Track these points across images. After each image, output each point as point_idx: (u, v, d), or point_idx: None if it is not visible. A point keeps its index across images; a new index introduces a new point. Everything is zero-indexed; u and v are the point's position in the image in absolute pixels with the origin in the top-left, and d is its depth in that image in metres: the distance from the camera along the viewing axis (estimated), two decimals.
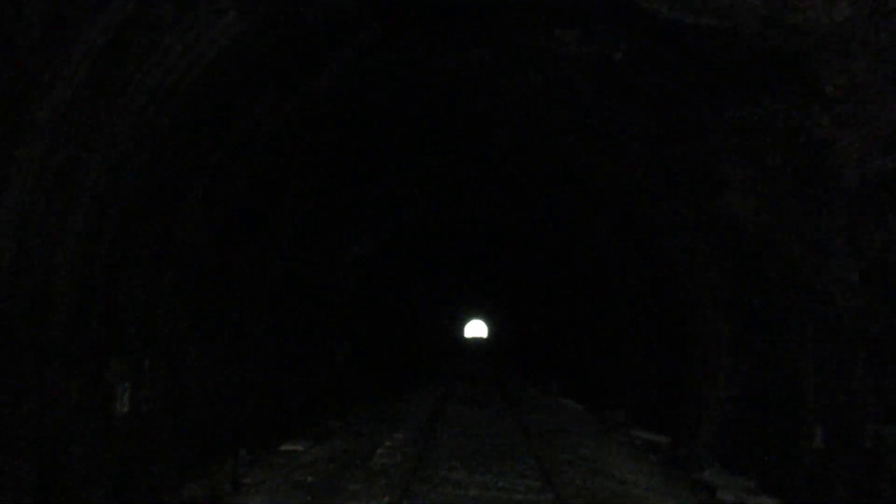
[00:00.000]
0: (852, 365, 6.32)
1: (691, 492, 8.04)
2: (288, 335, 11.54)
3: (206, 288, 8.30)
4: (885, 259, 5.67)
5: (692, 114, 7.11)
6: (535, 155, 11.23)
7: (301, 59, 6.80)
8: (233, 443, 9.20)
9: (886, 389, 5.86)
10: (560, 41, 6.87)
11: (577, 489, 6.93)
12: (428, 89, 8.53)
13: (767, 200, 7.27)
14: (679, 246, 10.94)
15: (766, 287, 8.47)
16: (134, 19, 4.60)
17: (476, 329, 40.85)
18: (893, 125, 4.98)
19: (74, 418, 5.55)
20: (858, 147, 5.42)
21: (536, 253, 19.88)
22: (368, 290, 16.59)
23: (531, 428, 10.76)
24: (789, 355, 7.90)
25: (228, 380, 9.19)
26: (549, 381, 20.37)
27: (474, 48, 7.23)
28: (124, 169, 5.57)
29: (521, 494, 6.49)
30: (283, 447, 9.66)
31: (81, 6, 4.23)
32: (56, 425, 5.31)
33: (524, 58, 7.44)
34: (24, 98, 4.23)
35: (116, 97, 4.95)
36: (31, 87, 4.37)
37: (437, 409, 11.88)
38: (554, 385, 19.43)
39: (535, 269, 22.06)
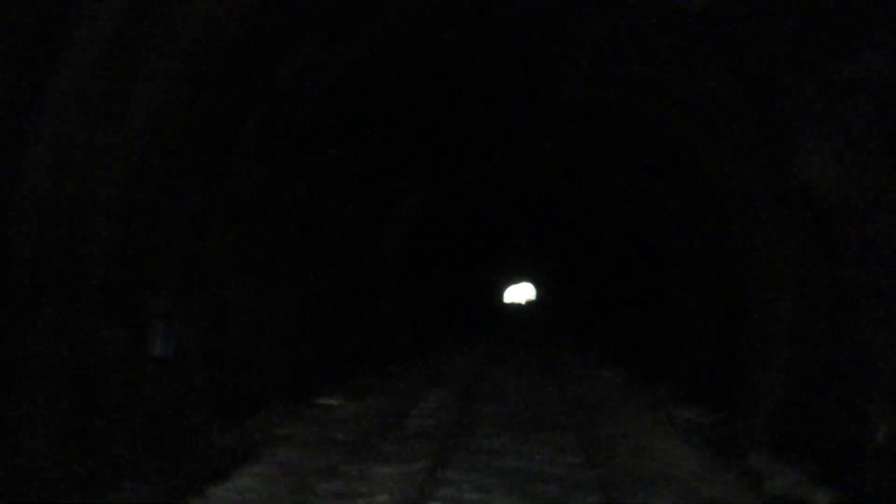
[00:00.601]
0: None
1: (738, 478, 7.64)
2: (332, 287, 11.40)
3: (253, 233, 8.13)
4: None
5: (774, 71, 6.51)
6: (600, 113, 10.69)
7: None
8: (269, 392, 9.12)
9: None
10: None
11: (618, 467, 6.60)
12: (493, 36, 8.06)
13: (852, 169, 6.65)
14: (747, 216, 10.33)
15: (840, 264, 7.87)
16: None
17: (521, 292, 40.50)
18: None
19: (110, 359, 5.44)
20: None
21: (588, 217, 19.33)
22: (415, 249, 16.36)
23: (573, 399, 10.45)
24: (859, 340, 7.36)
25: (268, 329, 9.07)
26: (592, 348, 20.00)
27: None
28: (171, 107, 5.32)
29: (561, 469, 6.20)
30: (320, 401, 9.56)
31: None
32: (92, 365, 5.20)
33: (594, 6, 6.91)
34: (65, 21, 3.97)
35: (162, 32, 4.68)
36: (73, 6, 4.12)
37: (477, 372, 11.66)
38: (598, 353, 19.05)
39: (585, 234, 21.51)
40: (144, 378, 6.05)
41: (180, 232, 6.42)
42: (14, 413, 4.45)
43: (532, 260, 31.50)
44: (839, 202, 8.38)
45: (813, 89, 6.30)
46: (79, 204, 4.91)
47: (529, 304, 36.14)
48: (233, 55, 5.95)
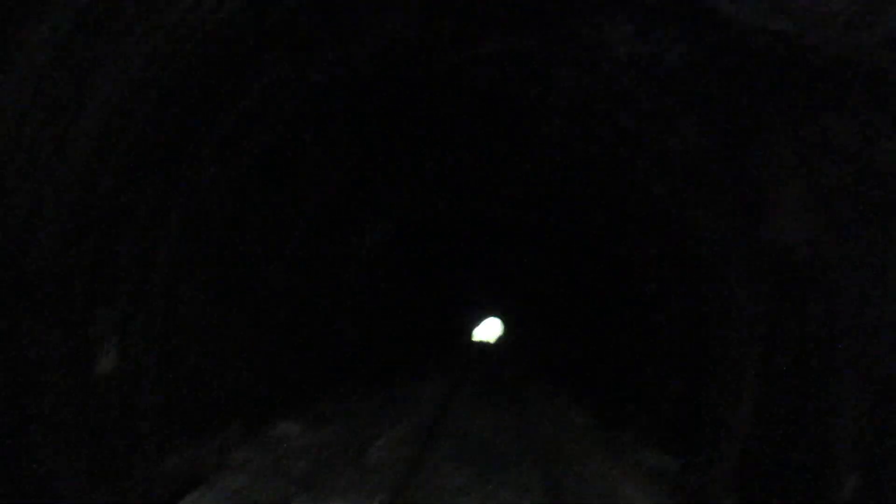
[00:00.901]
0: None
1: None
2: (296, 310, 11.23)
3: (213, 248, 7.97)
4: None
5: (746, 127, 6.63)
6: (577, 158, 10.78)
7: (329, 30, 6.42)
8: (226, 415, 8.88)
9: None
10: (611, 37, 6.43)
11: None
12: (470, 75, 8.12)
13: (823, 228, 6.75)
14: (718, 264, 10.42)
15: (808, 321, 7.95)
16: None
17: (487, 331, 40.44)
18: None
19: (50, 372, 5.22)
20: None
21: (560, 256, 19.40)
22: (380, 279, 16.25)
23: (537, 439, 10.34)
24: (824, 395, 7.39)
25: (227, 348, 8.87)
26: (559, 388, 19.87)
27: (520, 33, 6.81)
28: (129, 111, 5.19)
29: None
30: (278, 427, 9.35)
31: None
32: (30, 378, 4.98)
33: (573, 55, 7.01)
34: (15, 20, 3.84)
35: (121, 37, 4.57)
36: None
37: (440, 407, 11.51)
38: (564, 394, 18.93)
39: (556, 274, 21.57)
40: (89, 394, 5.84)
41: (133, 242, 6.25)
42: None
43: (500, 298, 31.47)
44: (808, 261, 8.49)
45: (786, 146, 6.42)
46: (19, 209, 4.71)
47: (498, 341, 36.02)
48: (201, 64, 5.86)
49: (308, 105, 7.56)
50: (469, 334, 35.26)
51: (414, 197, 13.30)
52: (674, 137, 8.14)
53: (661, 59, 6.50)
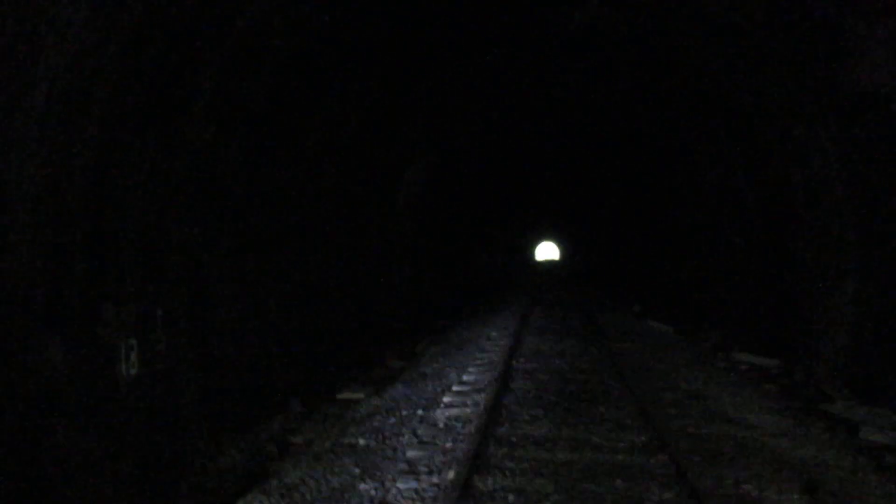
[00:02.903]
0: None
1: (829, 432, 6.53)
2: (343, 265, 10.38)
3: (238, 209, 7.09)
4: None
5: None
6: (620, 44, 9.44)
7: None
8: (283, 393, 8.17)
9: None
10: None
11: (693, 442, 5.54)
12: None
13: None
14: (791, 134, 9.08)
15: None
16: None
17: (549, 250, 39.18)
18: None
19: (58, 388, 4.46)
20: None
21: (613, 161, 18.05)
22: (431, 212, 15.27)
23: (622, 360, 9.37)
24: None
25: (274, 321, 8.09)
26: (631, 301, 18.86)
27: None
28: (100, 60, 4.24)
29: (625, 454, 5.14)
30: (342, 395, 8.61)
31: None
32: (33, 392, 4.22)
33: None
34: None
35: None
36: None
37: (513, 341, 10.60)
38: (637, 306, 17.92)
39: (612, 181, 20.23)
40: (116, 402, 5.09)
41: (139, 218, 5.39)
42: None
43: (559, 214, 30.22)
44: None
45: None
46: None
47: (564, 258, 34.89)
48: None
49: (312, 29, 6.45)
50: (527, 259, 34.22)
51: (455, 116, 12.12)
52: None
53: None
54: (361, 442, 5.77)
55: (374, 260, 11.96)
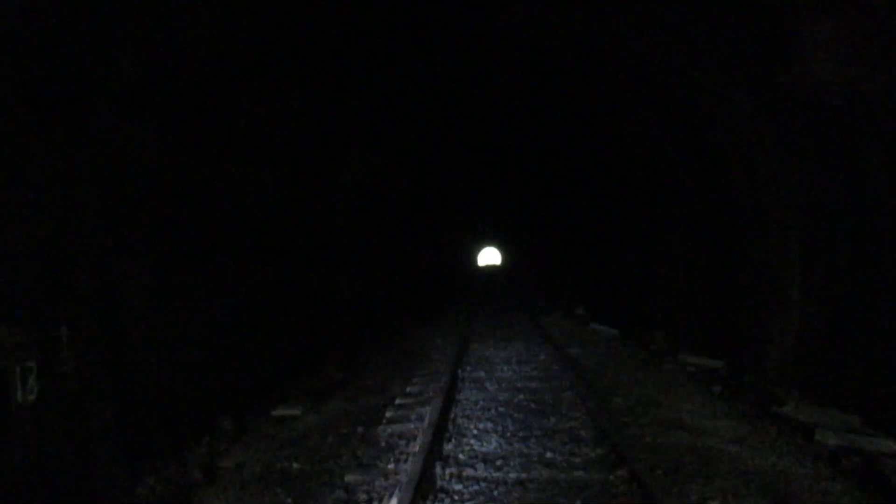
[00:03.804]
0: None
1: (785, 437, 6.33)
2: (281, 272, 9.79)
3: (159, 215, 6.46)
4: None
5: None
6: (549, 40, 9.16)
7: None
8: (214, 411, 7.55)
9: None
10: None
11: (652, 453, 5.22)
12: None
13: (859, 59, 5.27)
14: (735, 132, 8.97)
15: (860, 172, 6.55)
16: None
17: (492, 255, 39.06)
18: None
19: None
20: None
21: (555, 165, 17.89)
22: (371, 218, 14.77)
23: (570, 365, 9.06)
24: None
25: (203, 334, 7.46)
26: (575, 305, 18.73)
27: None
28: None
29: (582, 471, 4.77)
30: (277, 411, 8.03)
31: None
32: None
33: None
34: None
35: None
36: None
37: (458, 348, 10.19)
38: (581, 309, 17.79)
39: (554, 185, 20.10)
40: (8, 432, 4.45)
41: (34, 225, 4.76)
42: None
43: (499, 219, 30.06)
44: (846, 102, 7.06)
45: None
46: None
47: (505, 263, 34.74)
48: None
49: (239, 26, 5.90)
50: (468, 265, 33.97)
51: (390, 123, 11.64)
52: None
53: None
54: (295, 466, 5.26)
55: (313, 267, 11.40)
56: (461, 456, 5.07)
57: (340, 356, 11.68)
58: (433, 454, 4.99)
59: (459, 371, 8.57)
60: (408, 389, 7.62)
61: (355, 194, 13.04)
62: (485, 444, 5.40)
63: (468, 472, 4.76)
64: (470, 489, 4.40)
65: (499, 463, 4.91)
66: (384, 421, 6.30)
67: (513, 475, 4.68)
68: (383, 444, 5.56)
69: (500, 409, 6.59)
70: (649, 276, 13.87)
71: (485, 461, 4.97)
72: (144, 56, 5.59)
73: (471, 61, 10.36)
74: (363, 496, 4.37)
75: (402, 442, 5.53)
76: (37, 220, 4.74)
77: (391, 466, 4.91)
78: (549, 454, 5.13)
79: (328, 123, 10.12)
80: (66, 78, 4.78)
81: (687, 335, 11.87)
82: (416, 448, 5.15)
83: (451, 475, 4.68)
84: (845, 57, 6.88)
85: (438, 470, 4.77)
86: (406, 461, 4.96)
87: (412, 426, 5.97)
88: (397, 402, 7.05)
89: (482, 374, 8.50)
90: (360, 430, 6.14)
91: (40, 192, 4.73)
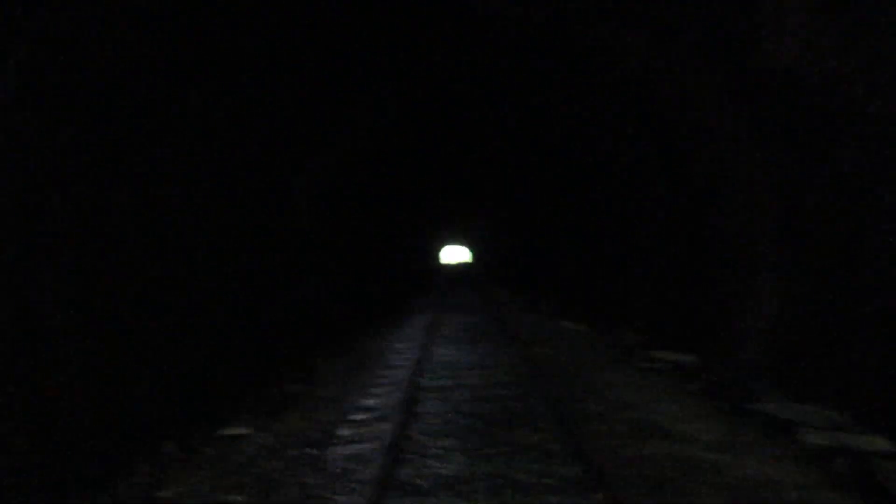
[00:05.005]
0: None
1: (768, 439, 5.95)
2: (233, 274, 9.15)
3: (81, 208, 5.80)
4: None
5: None
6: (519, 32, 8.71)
7: None
8: (157, 433, 6.92)
9: None
10: None
11: (632, 468, 4.76)
12: None
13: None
14: (704, 119, 8.60)
15: (836, 158, 6.20)
16: None
17: (460, 252, 38.66)
18: None
19: None
20: None
21: (524, 160, 17.47)
22: (332, 216, 14.16)
23: (539, 368, 8.62)
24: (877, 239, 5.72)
25: (141, 348, 6.82)
26: (544, 302, 18.37)
27: None
28: None
29: (557, 495, 4.28)
30: (227, 430, 7.42)
31: None
32: None
33: None
34: None
35: None
36: None
37: (420, 352, 9.68)
38: (548, 306, 17.43)
39: (523, 181, 19.70)
40: None
41: None
42: None
43: (465, 215, 29.63)
44: (822, 84, 6.73)
45: None
46: None
47: (472, 260, 34.36)
48: None
49: None
50: (433, 262, 33.49)
51: (353, 117, 11.05)
52: None
53: None
54: (238, 499, 4.69)
55: (269, 268, 10.78)
56: (420, 482, 4.55)
57: (297, 364, 11.10)
58: (390, 481, 4.47)
59: (421, 380, 8.06)
60: (365, 402, 7.08)
61: (317, 191, 12.43)
62: (447, 465, 4.89)
63: (430, 501, 4.25)
64: None
65: (463, 488, 4.41)
66: (338, 441, 5.76)
67: (482, 498, 4.18)
68: (336, 469, 5.01)
69: (465, 421, 6.10)
70: (620, 271, 13.55)
71: (447, 487, 4.45)
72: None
73: (434, 48, 9.84)
74: None
75: (357, 467, 4.99)
76: None
77: (342, 499, 4.38)
78: (518, 474, 4.64)
79: (287, 115, 9.51)
80: None
81: (660, 330, 11.56)
82: (372, 474, 4.63)
83: None
84: (820, 40, 6.54)
85: (395, 501, 4.25)
86: (359, 491, 4.42)
87: (368, 446, 5.44)
88: (353, 417, 6.51)
89: (446, 381, 7.99)
90: (311, 451, 5.59)
91: None
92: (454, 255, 38.31)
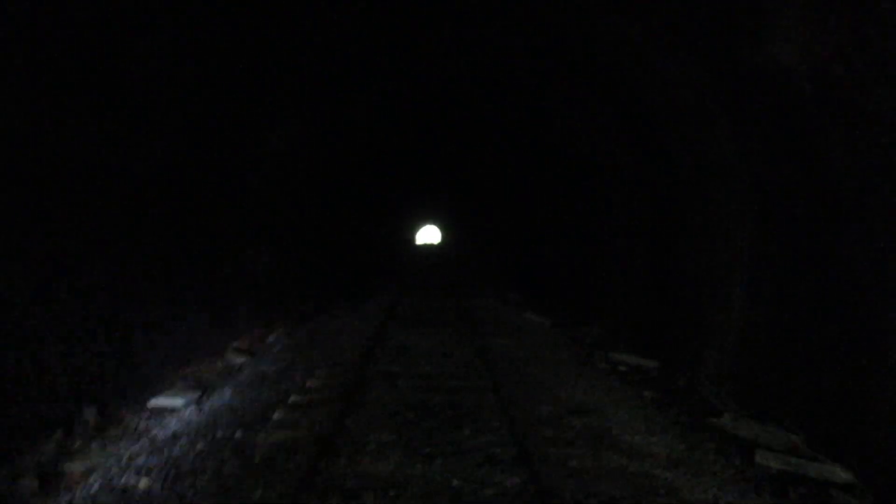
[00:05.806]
0: None
1: (725, 458, 5.64)
2: (185, 241, 8.62)
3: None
4: None
5: None
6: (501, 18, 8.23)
7: None
8: (74, 399, 6.42)
9: None
10: None
11: (579, 484, 4.39)
12: None
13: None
14: (683, 114, 8.22)
15: (818, 173, 5.84)
16: None
17: (431, 234, 38.18)
18: None
19: None
20: None
21: (499, 145, 17.03)
22: (299, 190, 13.62)
23: (496, 361, 8.24)
24: (853, 253, 5.39)
25: (61, 307, 6.30)
26: (508, 291, 18.03)
27: None
28: None
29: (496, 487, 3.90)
30: (157, 401, 6.94)
31: None
32: None
33: None
34: None
35: None
36: None
37: (376, 333, 9.25)
38: (514, 295, 17.09)
39: (497, 165, 19.26)
40: None
41: None
42: None
43: (438, 197, 29.13)
44: (814, 86, 6.36)
45: None
46: None
47: (442, 243, 33.91)
48: None
49: None
50: (403, 244, 32.99)
51: (323, 85, 10.47)
52: None
53: None
54: (142, 484, 4.23)
55: (227, 239, 10.24)
56: (349, 483, 4.13)
57: (249, 336, 10.63)
58: (315, 477, 4.05)
59: (372, 365, 7.63)
60: (308, 383, 6.64)
61: (285, 162, 11.88)
62: (382, 464, 4.48)
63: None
64: None
65: (393, 493, 4.00)
66: (269, 425, 5.32)
67: None
68: (259, 458, 4.58)
69: (409, 415, 5.68)
70: (587, 264, 13.23)
71: (376, 489, 4.04)
72: None
73: (411, 30, 9.34)
74: None
75: (282, 457, 4.56)
76: None
77: (258, 493, 3.95)
78: (455, 480, 4.25)
79: (252, 82, 8.93)
80: None
81: (623, 329, 11.26)
82: (297, 465, 4.20)
83: None
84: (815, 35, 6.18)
85: (317, 501, 3.83)
86: (277, 489, 4.00)
87: (300, 435, 5.00)
88: (291, 400, 6.07)
89: (397, 368, 7.57)
90: (238, 434, 5.15)
91: None
92: (427, 236, 37.88)
